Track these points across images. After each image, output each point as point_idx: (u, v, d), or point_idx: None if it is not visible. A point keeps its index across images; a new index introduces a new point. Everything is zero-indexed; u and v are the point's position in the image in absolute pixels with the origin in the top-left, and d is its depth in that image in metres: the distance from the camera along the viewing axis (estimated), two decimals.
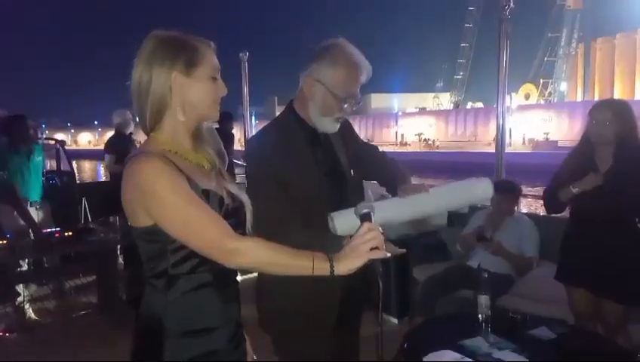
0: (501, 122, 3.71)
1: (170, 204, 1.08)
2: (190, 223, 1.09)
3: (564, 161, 2.61)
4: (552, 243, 2.73)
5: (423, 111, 58.35)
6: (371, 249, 1.12)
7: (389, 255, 1.14)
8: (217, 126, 5.23)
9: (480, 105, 55.72)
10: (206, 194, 1.15)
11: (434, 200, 1.65)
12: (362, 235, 1.13)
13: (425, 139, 46.36)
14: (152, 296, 1.18)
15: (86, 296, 4.21)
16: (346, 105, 1.60)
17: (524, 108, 45.30)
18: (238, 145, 6.46)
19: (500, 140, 3.63)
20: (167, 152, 1.14)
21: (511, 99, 46.18)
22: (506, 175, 3.71)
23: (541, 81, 55.55)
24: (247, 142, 1.66)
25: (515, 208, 3.44)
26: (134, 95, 1.18)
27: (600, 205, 2.35)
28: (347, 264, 1.12)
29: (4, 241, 3.30)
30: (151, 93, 1.15)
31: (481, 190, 1.65)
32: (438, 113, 55.17)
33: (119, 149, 4.67)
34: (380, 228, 1.16)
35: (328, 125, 1.64)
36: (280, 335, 1.69)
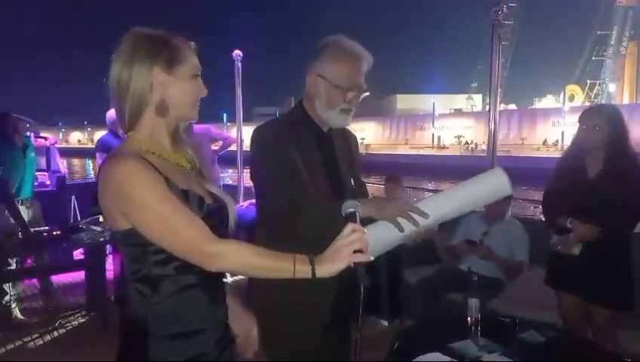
0: (493, 126, 3.72)
1: (147, 207, 1.05)
2: (168, 226, 1.06)
3: (556, 165, 2.63)
4: (542, 247, 2.74)
5: (458, 112, 54.56)
6: (355, 251, 1.08)
7: (372, 258, 1.10)
8: None
9: (513, 107, 52.54)
10: (185, 195, 1.13)
11: (449, 205, 1.59)
12: (346, 237, 1.09)
13: (466, 142, 42.95)
14: (137, 300, 1.15)
15: (74, 295, 4.17)
16: (349, 95, 1.62)
17: (577, 111, 43.07)
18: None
19: (491, 144, 3.65)
20: (144, 152, 1.12)
21: (564, 100, 42.94)
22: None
23: (588, 82, 51.90)
24: (256, 130, 1.64)
25: (507, 211, 3.45)
26: (113, 93, 1.15)
27: (589, 210, 2.37)
28: (329, 267, 1.08)
29: None
30: (131, 90, 1.13)
31: (497, 185, 1.58)
32: (477, 115, 49.88)
33: (110, 148, 4.65)
34: (365, 230, 1.12)
35: (337, 119, 1.66)
36: (271, 334, 1.68)
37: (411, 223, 1.51)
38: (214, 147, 5.00)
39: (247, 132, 1.75)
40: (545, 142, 38.54)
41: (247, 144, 1.64)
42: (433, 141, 48.08)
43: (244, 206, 4.90)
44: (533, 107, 51.72)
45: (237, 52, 5.45)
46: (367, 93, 1.66)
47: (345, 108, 1.64)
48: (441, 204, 1.61)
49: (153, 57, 1.13)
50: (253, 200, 4.97)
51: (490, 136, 3.66)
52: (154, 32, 1.16)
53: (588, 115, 2.46)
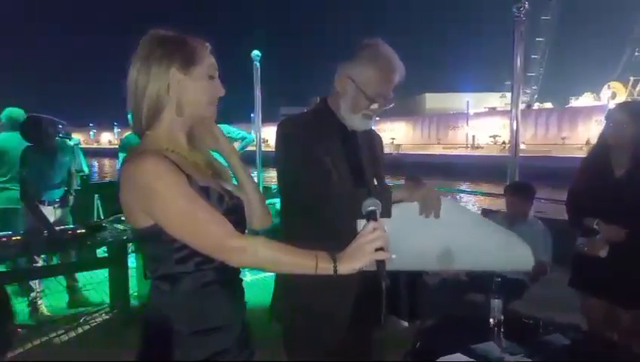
0: (515, 125, 3.67)
1: (171, 203, 1.07)
2: (192, 222, 1.08)
3: (581, 164, 2.58)
4: (566, 247, 2.69)
5: (492, 111, 51.93)
6: (376, 249, 1.10)
7: (394, 256, 1.11)
8: None
9: (549, 105, 50.75)
10: (206, 191, 1.15)
11: (459, 256, 1.59)
12: (366, 235, 1.11)
13: (503, 142, 40.42)
14: (158, 297, 1.17)
15: (98, 292, 4.25)
16: (375, 105, 1.63)
17: None
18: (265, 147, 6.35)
19: (514, 142, 3.60)
20: (164, 151, 1.14)
21: (608, 98, 40.78)
22: (520, 177, 3.67)
23: (631, 78, 48.70)
24: (281, 124, 1.65)
25: (529, 211, 3.39)
26: (131, 93, 1.18)
27: (614, 210, 2.31)
28: (351, 264, 1.10)
29: (19, 238, 3.34)
30: (148, 90, 1.15)
31: (519, 261, 1.61)
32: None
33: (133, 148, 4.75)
34: (386, 228, 1.13)
35: (358, 122, 1.67)
36: (291, 333, 1.69)
37: (433, 210, 1.54)
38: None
39: (273, 132, 1.75)
40: (588, 142, 37.19)
41: (272, 144, 1.65)
42: (467, 140, 46.22)
43: None
44: (569, 105, 50.05)
45: (255, 52, 5.48)
46: (392, 105, 1.67)
47: (368, 113, 1.65)
48: (461, 220, 1.61)
49: (170, 58, 1.15)
50: (272, 200, 5.00)
51: (513, 135, 3.61)
52: (170, 34, 1.19)
53: (615, 112, 2.40)
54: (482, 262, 1.66)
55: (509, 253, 1.63)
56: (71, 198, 4.13)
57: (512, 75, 3.49)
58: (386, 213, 1.40)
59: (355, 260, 1.09)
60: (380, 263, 1.11)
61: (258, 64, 5.50)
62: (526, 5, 3.33)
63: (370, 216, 1.16)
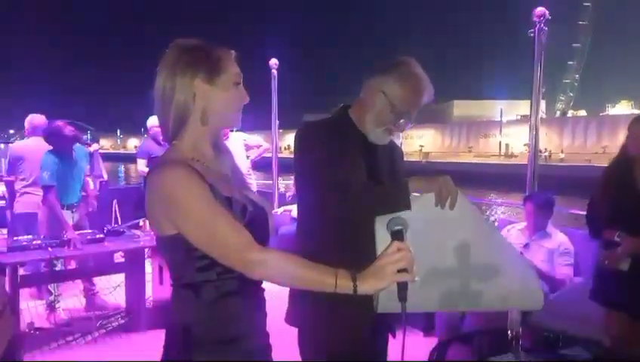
0: (534, 134, 3.63)
1: (194, 213, 1.08)
2: (213, 233, 1.08)
3: (602, 174, 2.54)
4: (587, 259, 2.63)
5: (526, 118, 51.84)
6: (399, 271, 1.06)
7: (417, 279, 1.07)
8: None
9: (583, 113, 49.69)
10: (229, 202, 1.15)
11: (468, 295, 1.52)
12: (390, 255, 1.07)
13: (539, 151, 40.23)
14: (180, 305, 1.17)
15: (114, 297, 4.28)
16: (401, 121, 1.63)
17: None
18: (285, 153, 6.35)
19: (532, 152, 3.56)
20: (189, 160, 1.14)
21: None
22: (539, 188, 3.62)
23: None
24: (302, 129, 1.67)
25: (549, 222, 3.33)
26: (157, 103, 1.19)
27: (636, 222, 2.26)
28: (372, 284, 1.06)
29: (39, 242, 3.39)
30: (174, 101, 1.16)
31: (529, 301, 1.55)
32: (549, 122, 46.42)
33: (150, 154, 4.82)
34: (411, 248, 1.09)
35: (380, 136, 1.67)
36: (308, 338, 1.68)
37: (449, 198, 1.49)
38: (248, 154, 5.11)
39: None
40: None
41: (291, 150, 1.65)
42: (500, 149, 45.17)
43: (278, 213, 4.94)
44: (605, 113, 48.40)
45: (273, 61, 5.52)
46: (411, 126, 1.68)
47: (390, 129, 1.65)
48: (476, 227, 1.55)
49: (194, 68, 1.15)
50: (288, 207, 5.01)
51: (532, 144, 3.56)
52: (195, 43, 1.19)
53: (636, 123, 2.37)
54: (491, 301, 1.55)
55: (521, 289, 1.54)
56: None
57: (532, 85, 3.45)
58: (406, 206, 1.40)
59: (377, 280, 1.06)
60: (402, 285, 1.07)
61: (275, 72, 5.54)
62: (547, 14, 3.29)
63: (396, 236, 1.11)
